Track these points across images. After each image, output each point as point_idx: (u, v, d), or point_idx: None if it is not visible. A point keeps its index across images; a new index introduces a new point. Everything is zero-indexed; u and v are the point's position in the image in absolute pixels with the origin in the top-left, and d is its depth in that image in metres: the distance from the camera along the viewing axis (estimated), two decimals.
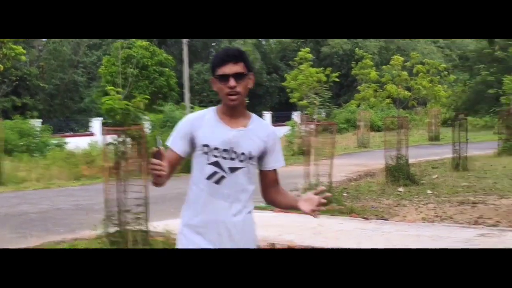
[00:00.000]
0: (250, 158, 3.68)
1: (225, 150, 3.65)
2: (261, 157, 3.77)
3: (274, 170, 3.87)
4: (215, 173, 3.64)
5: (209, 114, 3.77)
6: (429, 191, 15.23)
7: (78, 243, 10.23)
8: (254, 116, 3.81)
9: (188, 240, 3.68)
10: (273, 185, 3.90)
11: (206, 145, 3.66)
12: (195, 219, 3.68)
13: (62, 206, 14.81)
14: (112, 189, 9.62)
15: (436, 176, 18.53)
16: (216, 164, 3.65)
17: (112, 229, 9.54)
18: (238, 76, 3.63)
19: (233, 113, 3.72)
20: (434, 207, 13.01)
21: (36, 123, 31.57)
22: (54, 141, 29.70)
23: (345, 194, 14.99)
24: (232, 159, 3.65)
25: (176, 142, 3.75)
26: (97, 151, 26.69)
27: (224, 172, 3.64)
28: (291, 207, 3.91)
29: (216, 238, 3.62)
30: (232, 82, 3.61)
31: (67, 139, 31.91)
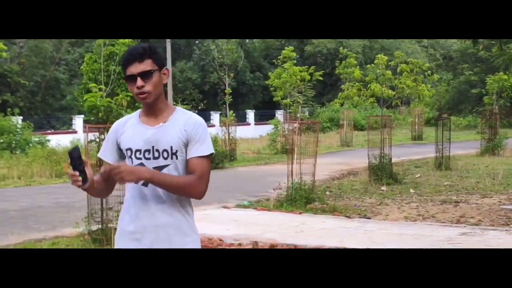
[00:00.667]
0: (174, 153, 3.54)
1: (147, 151, 3.54)
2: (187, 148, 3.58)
3: (193, 159, 3.55)
4: None
5: (132, 118, 3.70)
6: (412, 190, 15.27)
7: (60, 240, 10.16)
8: (178, 109, 3.68)
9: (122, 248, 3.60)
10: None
11: (129, 149, 3.58)
12: (130, 226, 3.57)
13: (43, 204, 14.71)
14: None
15: (419, 175, 18.59)
16: (140, 166, 3.53)
17: (94, 227, 9.50)
18: (145, 75, 3.52)
19: (151, 111, 3.62)
20: (417, 206, 13.04)
21: (17, 120, 31.38)
22: (35, 139, 29.52)
23: (328, 193, 15.00)
24: (156, 158, 3.54)
25: (105, 152, 3.72)
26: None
27: None
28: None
29: (153, 243, 3.51)
30: (139, 82, 3.51)
31: (49, 137, 31.74)
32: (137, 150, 3.55)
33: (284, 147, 26.87)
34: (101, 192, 3.75)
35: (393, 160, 17.51)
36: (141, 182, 3.49)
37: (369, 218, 11.73)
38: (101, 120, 10.08)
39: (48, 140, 30.31)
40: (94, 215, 9.54)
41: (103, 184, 3.66)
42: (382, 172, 16.55)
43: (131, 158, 3.57)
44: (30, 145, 28.22)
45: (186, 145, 3.56)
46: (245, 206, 13.28)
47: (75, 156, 3.41)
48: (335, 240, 9.63)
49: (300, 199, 12.97)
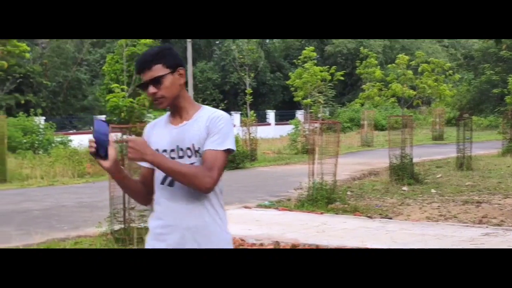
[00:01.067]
0: (197, 151, 3.47)
1: (172, 150, 3.50)
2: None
3: (207, 151, 3.45)
4: (166, 176, 3.47)
5: (162, 119, 3.66)
6: (433, 190, 15.22)
7: (82, 240, 10.24)
8: (204, 107, 3.60)
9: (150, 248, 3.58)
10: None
11: (156, 150, 3.50)
12: (158, 227, 3.54)
13: (66, 203, 14.82)
14: (117, 187, 9.63)
15: (440, 175, 18.52)
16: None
17: (117, 227, 9.56)
18: (155, 81, 3.47)
19: (176, 111, 3.57)
20: (438, 206, 13.00)
21: (40, 120, 31.58)
22: (58, 139, 29.70)
23: (349, 193, 14.98)
24: (181, 157, 3.48)
25: None
26: None
27: None
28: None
29: (179, 244, 3.46)
30: (150, 89, 3.47)
31: (71, 137, 31.91)
32: (163, 151, 3.50)
33: (304, 147, 26.86)
34: (138, 194, 3.69)
35: (414, 160, 17.46)
36: (167, 182, 3.49)
37: (391, 218, 11.72)
38: (123, 120, 10.16)
39: (70, 140, 30.48)
40: (116, 214, 9.61)
41: (140, 186, 3.64)
42: (403, 172, 16.51)
43: None
44: (53, 145, 28.40)
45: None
46: (266, 206, 13.30)
47: (99, 126, 3.39)
48: (357, 240, 9.63)
49: (322, 199, 12.97)
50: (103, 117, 36.86)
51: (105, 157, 3.39)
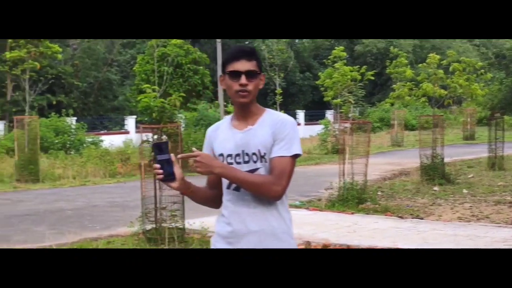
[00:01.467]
0: (262, 156, 3.47)
1: (237, 155, 3.49)
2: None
3: (275, 158, 3.46)
4: None
5: (225, 122, 3.66)
6: (465, 190, 15.12)
7: (115, 239, 10.32)
8: (267, 111, 3.61)
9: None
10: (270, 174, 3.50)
11: (221, 154, 3.54)
12: (224, 230, 3.54)
13: (98, 203, 14.95)
14: (148, 187, 9.71)
15: (471, 175, 18.38)
16: (221, 162, 3.50)
17: (149, 226, 9.63)
18: (250, 74, 3.47)
19: (243, 113, 3.55)
20: (470, 206, 12.92)
21: (71, 121, 31.83)
22: (89, 139, 29.92)
23: (379, 193, 14.94)
24: (246, 162, 3.48)
25: None
26: (132, 148, 26.90)
27: None
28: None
29: (246, 247, 3.47)
30: (243, 79, 3.45)
31: (102, 137, 32.12)
32: (228, 155, 3.51)
33: (334, 147, 26.79)
34: (209, 201, 3.71)
35: (445, 160, 17.35)
36: (233, 186, 3.50)
37: (422, 219, 11.66)
38: (154, 121, 10.22)
39: (102, 141, 30.70)
40: (148, 214, 9.68)
41: (210, 192, 3.66)
42: (434, 172, 16.42)
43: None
44: (84, 145, 28.62)
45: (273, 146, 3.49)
46: (297, 206, 13.30)
47: (160, 148, 3.40)
48: (388, 240, 9.61)
49: (352, 199, 12.95)
50: (133, 117, 37.09)
51: (172, 179, 3.42)
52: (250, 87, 3.47)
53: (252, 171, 3.47)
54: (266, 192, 3.43)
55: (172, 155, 3.43)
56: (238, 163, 3.49)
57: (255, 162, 3.48)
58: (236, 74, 3.47)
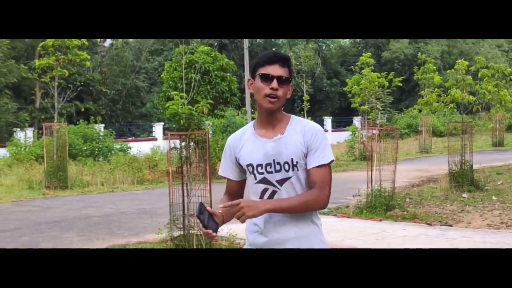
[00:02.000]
0: (295, 165, 3.47)
1: (268, 164, 3.48)
2: (306, 158, 3.50)
3: (313, 169, 3.48)
4: (265, 189, 3.50)
5: (247, 131, 3.63)
6: (494, 198, 14.98)
7: (143, 246, 10.35)
8: (293, 118, 3.61)
9: None
10: (312, 186, 3.49)
11: (250, 164, 3.52)
12: (259, 241, 3.54)
13: (126, 210, 15.02)
14: (176, 193, 9.74)
15: (501, 182, 18.22)
16: (264, 180, 3.51)
17: (177, 233, 9.65)
18: (282, 80, 3.45)
19: (269, 120, 3.54)
20: (500, 213, 12.80)
21: (99, 128, 32.04)
22: (117, 146, 30.08)
23: (408, 200, 14.86)
24: (278, 171, 3.48)
25: (225, 170, 3.69)
26: (159, 155, 27.02)
27: (274, 187, 3.48)
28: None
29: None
30: (275, 83, 3.43)
31: (130, 144, 32.29)
32: (258, 165, 3.50)
33: (362, 154, 26.70)
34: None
35: (474, 166, 17.20)
36: (268, 194, 3.51)
37: (451, 226, 11.57)
38: (182, 128, 10.24)
39: (129, 147, 30.86)
40: (176, 221, 9.70)
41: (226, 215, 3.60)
42: (463, 179, 16.29)
43: (254, 174, 3.53)
44: (112, 152, 28.78)
45: (306, 155, 3.49)
46: (324, 213, 13.26)
47: (203, 215, 3.36)
48: (417, 247, 9.54)
49: (380, 206, 12.89)
50: (161, 124, 37.23)
51: (216, 229, 3.39)
52: (280, 92, 3.46)
53: (284, 179, 3.47)
54: (315, 207, 3.49)
55: (208, 209, 3.40)
56: (270, 172, 3.49)
57: (287, 171, 3.48)
58: (268, 78, 3.46)
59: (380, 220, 12.15)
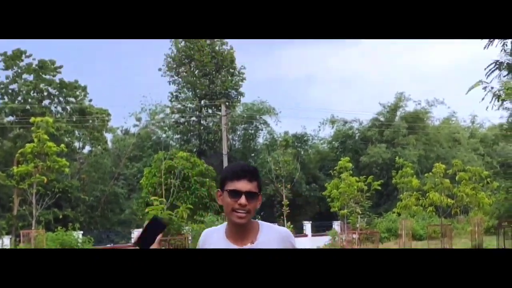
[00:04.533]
0: None
1: None
2: None
3: None
4: None
5: (219, 232, 3.61)
6: None
7: None
8: (262, 225, 3.57)
9: None
10: None
11: None
12: None
13: None
14: None
15: None
16: None
17: None
18: (250, 195, 3.43)
19: (238, 231, 3.51)
20: None
21: (78, 235, 31.76)
22: None
23: None
24: None
25: None
26: None
27: None
28: None
29: None
30: (243, 199, 3.40)
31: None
32: None
33: None
34: None
35: None
36: None
37: None
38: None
39: None
40: None
41: None
42: None
43: None
44: None
45: None
46: None
47: (157, 224, 3.39)
48: None
49: None
50: (140, 230, 36.95)
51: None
52: (249, 207, 3.43)
53: None
54: None
55: (159, 237, 3.40)
56: None
57: None
58: (236, 194, 3.43)
59: None
